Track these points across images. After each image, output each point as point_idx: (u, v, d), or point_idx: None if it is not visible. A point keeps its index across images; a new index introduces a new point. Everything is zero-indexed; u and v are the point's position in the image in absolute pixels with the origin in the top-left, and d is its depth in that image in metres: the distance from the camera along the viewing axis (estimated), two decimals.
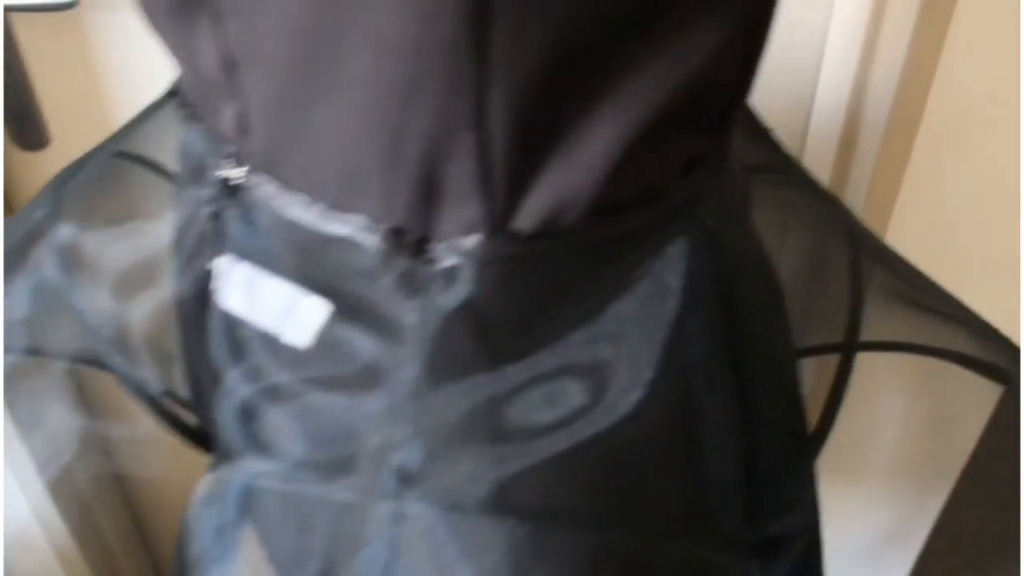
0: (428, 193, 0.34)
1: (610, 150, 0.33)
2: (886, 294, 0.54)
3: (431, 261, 0.36)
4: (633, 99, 0.32)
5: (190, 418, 0.53)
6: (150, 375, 0.50)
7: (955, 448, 0.86)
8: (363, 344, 0.38)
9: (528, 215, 0.35)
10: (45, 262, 0.48)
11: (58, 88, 0.85)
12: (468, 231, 0.35)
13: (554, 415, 0.38)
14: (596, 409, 0.39)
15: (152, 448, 0.56)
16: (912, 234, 0.88)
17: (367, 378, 0.38)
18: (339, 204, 0.36)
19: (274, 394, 0.41)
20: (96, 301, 0.48)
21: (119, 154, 0.50)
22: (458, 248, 0.36)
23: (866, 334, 0.54)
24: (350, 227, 0.36)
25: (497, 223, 0.35)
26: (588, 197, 0.35)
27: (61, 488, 0.96)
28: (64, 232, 0.48)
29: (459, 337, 0.37)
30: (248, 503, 0.43)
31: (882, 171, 0.87)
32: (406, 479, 0.38)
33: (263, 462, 0.42)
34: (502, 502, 0.39)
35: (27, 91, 0.85)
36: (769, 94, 0.87)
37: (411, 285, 0.36)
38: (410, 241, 0.36)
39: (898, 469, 1.09)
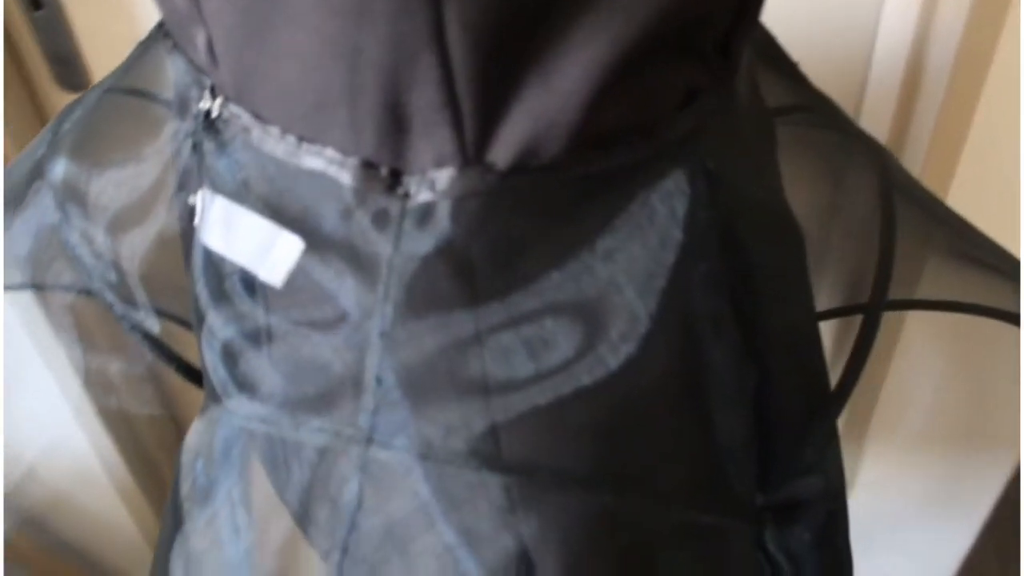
0: (395, 122, 0.32)
1: (590, 75, 0.31)
2: (923, 243, 0.50)
3: (405, 196, 0.34)
4: (614, 17, 0.30)
5: (193, 356, 0.52)
6: (146, 313, 0.49)
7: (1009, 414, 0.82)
8: (337, 284, 0.36)
9: (503, 147, 0.33)
10: (44, 200, 0.48)
11: (98, 28, 0.86)
12: (440, 164, 0.33)
13: (539, 362, 0.36)
14: (586, 358, 0.36)
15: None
16: (977, 189, 0.83)
17: (342, 318, 0.37)
18: (310, 135, 0.34)
19: (254, 335, 0.40)
20: (93, 238, 0.48)
21: (115, 88, 0.49)
22: (431, 182, 0.33)
23: (901, 288, 0.50)
24: (322, 160, 0.34)
25: (470, 155, 0.33)
26: (568, 127, 0.32)
27: (118, 423, 0.98)
28: (59, 169, 0.47)
29: (436, 276, 0.35)
30: (234, 446, 0.43)
31: (946, 121, 0.82)
32: (383, 423, 0.36)
33: (247, 404, 0.41)
34: (484, 452, 0.37)
35: (67, 32, 0.86)
36: (826, 40, 0.82)
37: (385, 222, 0.35)
38: (382, 175, 0.34)
39: (949, 435, 1.04)
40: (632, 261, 0.36)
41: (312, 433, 0.38)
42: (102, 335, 0.55)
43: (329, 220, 0.36)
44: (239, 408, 0.42)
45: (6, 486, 0.79)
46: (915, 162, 0.84)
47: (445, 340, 0.35)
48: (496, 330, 0.35)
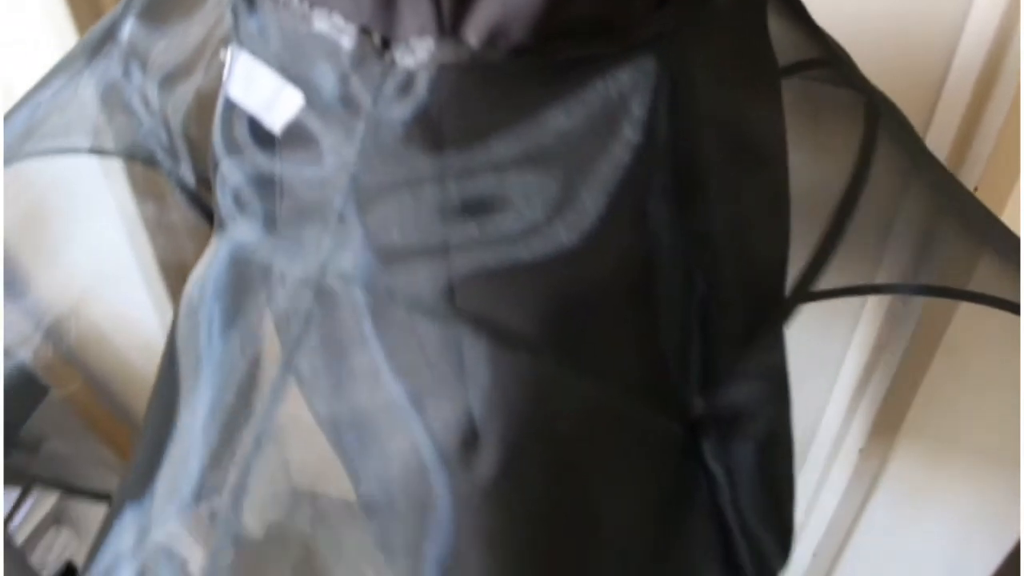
0: None
1: None
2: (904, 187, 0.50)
3: (392, 64, 0.38)
4: None
5: None
6: (186, 168, 0.54)
7: None
8: (325, 134, 0.40)
9: (475, 25, 0.36)
10: (112, 59, 0.54)
11: None
12: (421, 34, 0.37)
13: (497, 224, 0.39)
14: (542, 231, 0.39)
15: None
16: None
17: (322, 164, 0.41)
18: (320, 1, 0.38)
19: (257, 179, 0.44)
20: (148, 96, 0.53)
21: None
22: (413, 51, 0.37)
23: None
24: (328, 24, 0.38)
25: (446, 28, 0.36)
26: (534, 10, 0.35)
27: (171, 268, 1.06)
28: (127, 29, 0.53)
29: (409, 136, 0.38)
30: (225, 272, 0.46)
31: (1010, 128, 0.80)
32: (341, 259, 0.40)
33: (242, 227, 0.45)
34: (437, 301, 0.39)
35: None
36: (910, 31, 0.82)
37: (372, 85, 0.38)
38: (375, 42, 0.38)
39: (983, 445, 1.02)
40: (588, 154, 0.38)
41: (282, 260, 0.42)
42: (154, 188, 0.60)
43: (328, 81, 0.39)
44: (234, 232, 0.45)
45: (60, 309, 0.87)
46: (979, 162, 0.83)
47: (409, 192, 0.39)
48: (458, 183, 0.38)
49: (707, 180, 0.41)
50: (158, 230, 0.90)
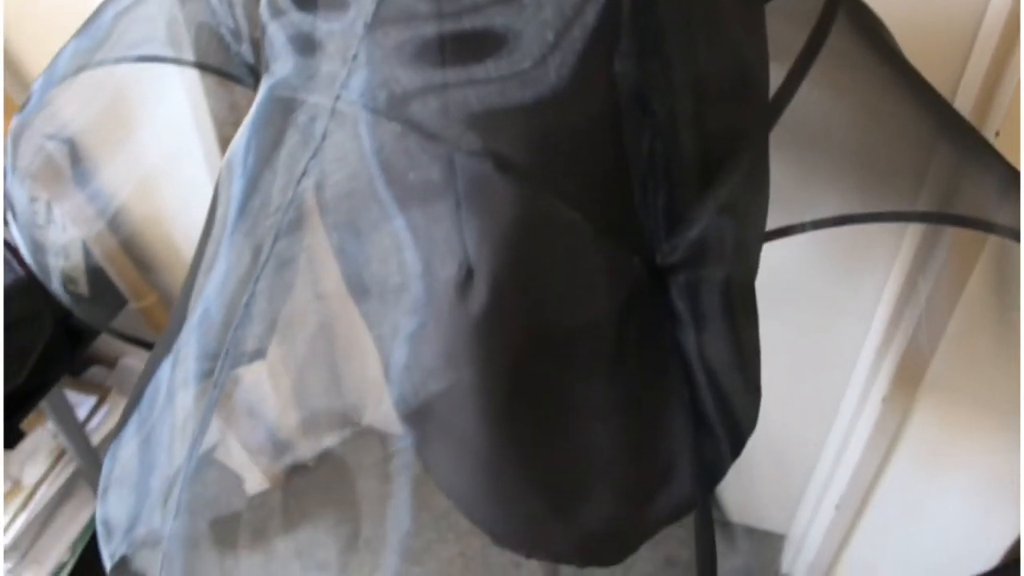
0: None
1: None
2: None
3: None
4: None
5: None
6: (247, 47, 0.61)
7: None
8: None
9: None
10: None
11: None
12: None
13: (487, 64, 0.43)
14: (524, 77, 0.43)
15: None
16: None
17: (346, 16, 0.46)
18: None
19: (297, 38, 0.50)
20: None
21: None
22: None
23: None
24: None
25: None
26: None
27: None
28: None
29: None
30: (266, 105, 0.52)
31: None
32: (346, 85, 0.46)
33: (281, 66, 0.50)
34: (436, 124, 0.44)
35: None
36: None
37: None
38: None
39: (1006, 406, 1.04)
40: (559, 10, 0.43)
41: (309, 91, 0.48)
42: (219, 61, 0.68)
43: None
44: (274, 70, 0.51)
45: (125, 194, 0.96)
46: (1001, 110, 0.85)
47: (411, 31, 0.44)
48: (454, 24, 0.43)
49: (665, 37, 0.45)
50: (221, 113, 0.98)
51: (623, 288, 0.49)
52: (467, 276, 0.48)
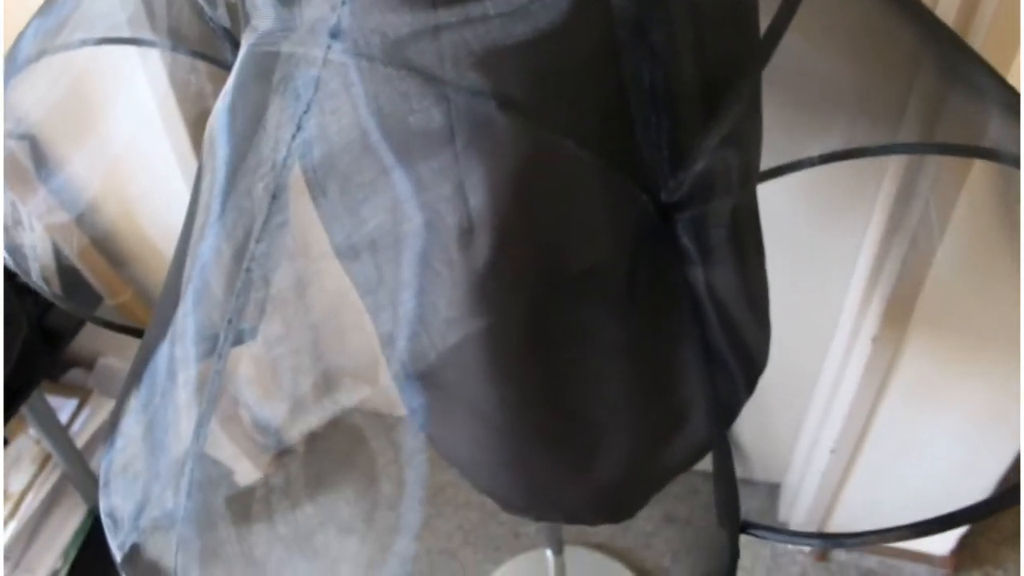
0: None
1: None
2: None
3: None
4: None
5: None
6: (223, 11, 0.59)
7: None
8: None
9: None
10: None
11: None
12: None
13: (483, 5, 0.41)
14: (522, 14, 0.42)
15: None
16: None
17: None
18: None
19: None
20: None
21: None
22: None
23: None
24: None
25: None
26: None
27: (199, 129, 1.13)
28: None
29: None
30: (248, 62, 0.50)
31: None
32: (335, 34, 0.44)
33: (263, 21, 0.48)
34: (430, 66, 0.43)
35: None
36: None
37: None
38: None
39: (992, 343, 1.05)
40: None
41: (294, 44, 0.46)
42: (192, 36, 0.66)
43: None
44: (256, 23, 0.49)
45: (93, 191, 0.94)
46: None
47: None
48: None
49: None
50: (187, 96, 0.96)
51: (631, 226, 0.48)
52: (469, 227, 0.47)
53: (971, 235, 0.94)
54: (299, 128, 0.45)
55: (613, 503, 0.67)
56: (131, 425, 0.57)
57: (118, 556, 0.56)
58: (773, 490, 1.53)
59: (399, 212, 0.48)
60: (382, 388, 0.62)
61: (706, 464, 1.63)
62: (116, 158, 1.06)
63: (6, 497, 1.40)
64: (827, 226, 1.10)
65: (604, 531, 1.51)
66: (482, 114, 0.43)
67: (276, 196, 0.46)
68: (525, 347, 0.53)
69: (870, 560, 1.43)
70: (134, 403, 0.58)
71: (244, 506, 0.60)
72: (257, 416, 0.71)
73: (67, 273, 1.38)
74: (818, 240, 1.11)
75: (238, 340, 0.60)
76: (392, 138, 0.45)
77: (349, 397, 0.59)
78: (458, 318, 0.50)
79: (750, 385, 0.59)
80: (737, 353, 0.54)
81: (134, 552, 0.55)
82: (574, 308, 0.51)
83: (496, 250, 0.47)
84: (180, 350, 0.53)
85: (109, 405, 1.57)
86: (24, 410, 1.33)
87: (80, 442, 1.49)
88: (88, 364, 1.67)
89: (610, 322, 0.52)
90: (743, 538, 0.63)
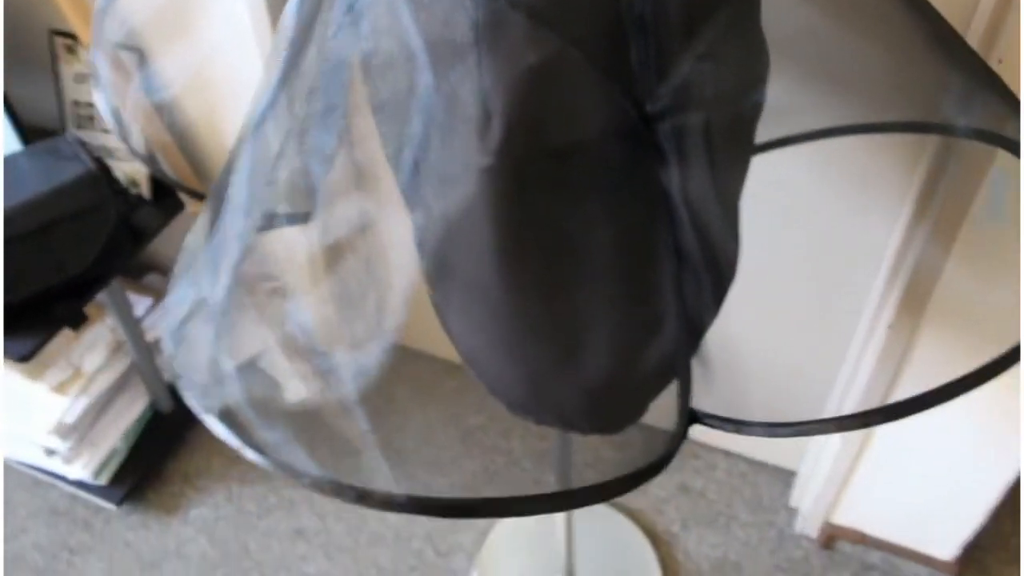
0: None
1: None
2: None
3: None
4: None
5: None
6: None
7: None
8: None
9: None
10: None
11: None
12: None
13: None
14: None
15: None
16: None
17: None
18: None
19: None
20: None
21: None
22: None
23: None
24: None
25: None
26: None
27: None
28: None
29: None
30: None
31: None
32: None
33: None
34: None
35: None
36: None
37: None
38: None
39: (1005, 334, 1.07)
40: None
41: None
42: None
43: None
44: None
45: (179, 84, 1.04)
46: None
47: None
48: None
49: None
50: (278, 5, 1.05)
51: (616, 121, 0.55)
52: (486, 117, 0.55)
53: (989, 227, 0.98)
54: (350, 8, 0.53)
55: (599, 407, 0.73)
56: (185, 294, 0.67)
57: (207, 412, 0.65)
58: (788, 477, 1.56)
59: (431, 109, 0.57)
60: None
61: (727, 443, 1.69)
62: (204, 60, 1.17)
63: (81, 375, 1.54)
64: (859, 213, 1.13)
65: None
66: (497, 13, 0.51)
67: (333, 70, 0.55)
68: (521, 229, 0.60)
69: (873, 555, 1.46)
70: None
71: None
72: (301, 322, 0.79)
73: (156, 179, 1.51)
74: (850, 227, 1.15)
75: (288, 222, 0.69)
76: (429, 51, 0.53)
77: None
78: (470, 198, 0.58)
79: (718, 299, 0.66)
80: (707, 260, 0.61)
81: (227, 413, 0.64)
82: (564, 187, 0.58)
83: (505, 133, 0.54)
84: (232, 218, 0.63)
85: None
86: (106, 300, 1.46)
87: (150, 336, 1.62)
88: (164, 271, 1.81)
89: (597, 212, 0.59)
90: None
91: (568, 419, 0.77)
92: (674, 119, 0.55)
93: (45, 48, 1.47)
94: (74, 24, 1.34)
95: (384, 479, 0.62)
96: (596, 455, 1.63)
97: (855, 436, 1.29)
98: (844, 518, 1.43)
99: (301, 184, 0.66)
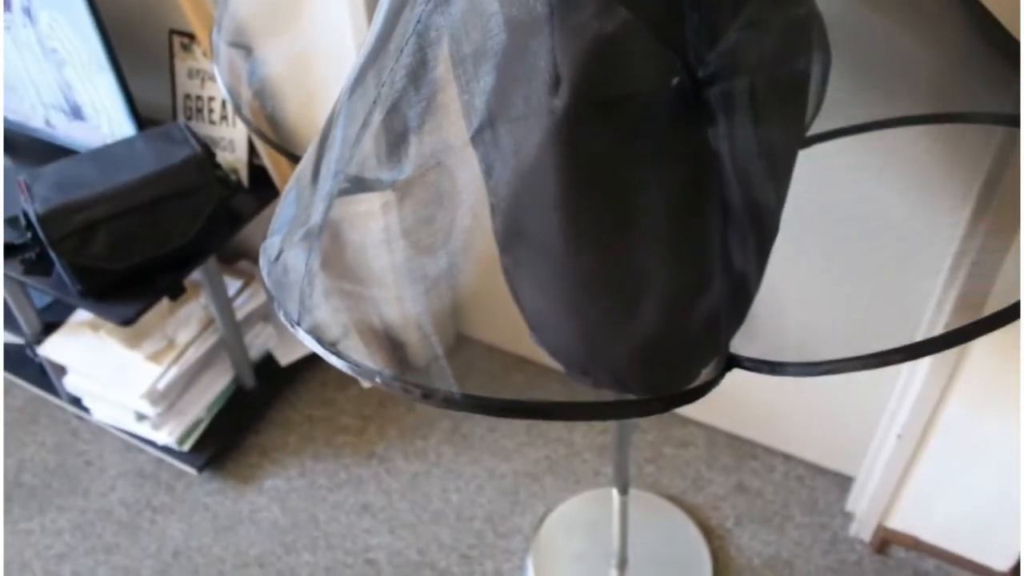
0: None
1: None
2: None
3: None
4: None
5: None
6: None
7: None
8: None
9: None
10: None
11: None
12: None
13: None
14: None
15: None
16: None
17: None
18: None
19: None
20: None
21: None
22: None
23: None
24: None
25: None
26: None
27: None
28: None
29: None
30: None
31: None
32: None
33: None
34: None
35: None
36: None
37: None
38: None
39: None
40: None
41: None
42: None
43: None
44: None
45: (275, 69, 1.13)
46: None
47: None
48: None
49: None
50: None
51: (670, 80, 0.62)
52: (556, 77, 0.62)
53: None
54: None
55: (650, 364, 0.79)
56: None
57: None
58: (846, 482, 1.59)
59: (509, 77, 0.64)
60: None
61: (787, 445, 1.71)
62: (302, 50, 1.27)
63: (173, 347, 1.66)
64: (922, 211, 1.17)
65: (677, 486, 1.61)
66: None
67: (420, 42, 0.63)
68: (586, 178, 0.67)
69: (927, 563, 1.47)
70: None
71: None
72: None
73: (255, 168, 1.62)
74: (912, 226, 1.18)
75: (376, 187, 0.78)
76: (508, 27, 0.61)
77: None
78: (541, 155, 0.65)
79: (761, 257, 0.71)
80: (752, 218, 0.67)
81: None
82: (625, 147, 0.65)
83: (573, 90, 0.62)
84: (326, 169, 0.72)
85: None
86: (202, 279, 1.58)
87: (239, 316, 1.73)
88: (256, 259, 1.93)
89: (651, 169, 0.65)
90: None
91: (622, 379, 0.82)
92: (723, 83, 0.61)
93: (164, 46, 1.60)
94: (193, 23, 1.46)
95: (448, 384, 0.68)
96: (656, 452, 1.67)
97: (911, 433, 1.31)
98: (899, 523, 1.45)
99: (384, 147, 0.74)
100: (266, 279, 0.77)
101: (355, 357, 0.68)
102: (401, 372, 0.66)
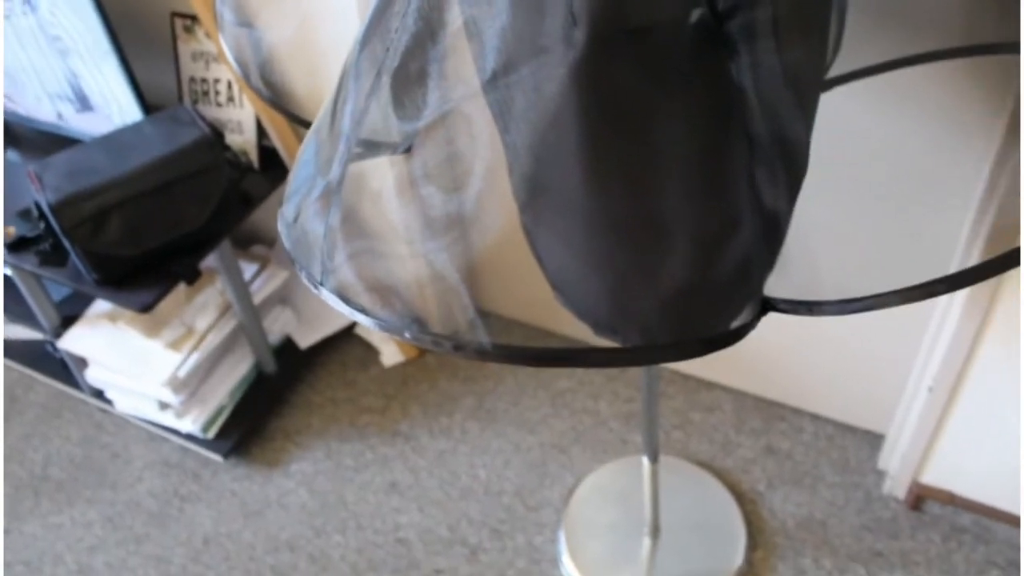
0: None
1: None
2: None
3: None
4: None
5: None
6: None
7: None
8: None
9: None
10: None
11: None
12: None
13: None
14: None
15: None
16: None
17: None
18: None
19: None
20: None
21: None
22: None
23: None
24: None
25: None
26: None
27: None
28: None
29: None
30: None
31: None
32: None
33: None
34: None
35: None
36: None
37: None
38: None
39: None
40: None
41: None
42: None
43: None
44: None
45: (276, 40, 1.12)
46: None
47: None
48: None
49: None
50: None
51: (689, 13, 0.60)
52: (572, 24, 0.60)
53: None
54: None
55: (680, 314, 0.77)
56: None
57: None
58: (876, 440, 1.56)
59: (524, 21, 0.62)
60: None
61: (815, 405, 1.70)
62: (305, 15, 1.25)
63: (192, 334, 1.65)
64: (949, 152, 1.14)
65: (706, 451, 1.59)
66: None
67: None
68: (607, 121, 0.65)
69: (964, 518, 1.45)
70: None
71: None
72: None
73: (264, 150, 1.61)
74: (940, 168, 1.16)
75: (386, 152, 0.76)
76: None
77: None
78: (559, 101, 0.63)
79: (792, 192, 0.69)
80: (780, 149, 0.64)
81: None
82: (645, 84, 0.63)
83: (590, 37, 0.60)
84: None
85: (283, 275, 1.80)
86: (217, 264, 1.56)
87: (256, 300, 1.72)
88: (270, 243, 1.92)
89: (673, 107, 0.63)
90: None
91: (652, 334, 0.81)
92: (744, 14, 0.59)
93: (166, 29, 1.58)
94: (195, 4, 1.44)
95: (477, 334, 0.67)
96: (683, 418, 1.66)
97: (942, 385, 1.28)
98: (933, 478, 1.43)
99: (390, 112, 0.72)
100: (286, 241, 0.76)
101: (383, 314, 0.67)
102: (428, 326, 0.64)
